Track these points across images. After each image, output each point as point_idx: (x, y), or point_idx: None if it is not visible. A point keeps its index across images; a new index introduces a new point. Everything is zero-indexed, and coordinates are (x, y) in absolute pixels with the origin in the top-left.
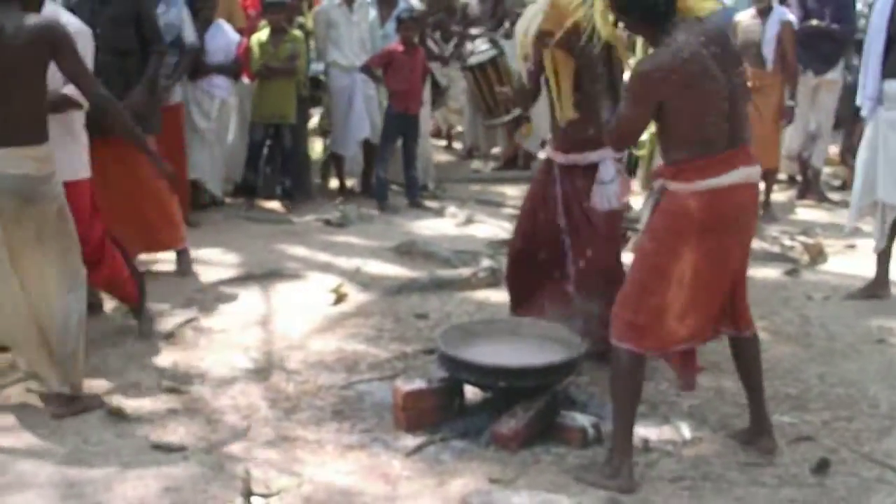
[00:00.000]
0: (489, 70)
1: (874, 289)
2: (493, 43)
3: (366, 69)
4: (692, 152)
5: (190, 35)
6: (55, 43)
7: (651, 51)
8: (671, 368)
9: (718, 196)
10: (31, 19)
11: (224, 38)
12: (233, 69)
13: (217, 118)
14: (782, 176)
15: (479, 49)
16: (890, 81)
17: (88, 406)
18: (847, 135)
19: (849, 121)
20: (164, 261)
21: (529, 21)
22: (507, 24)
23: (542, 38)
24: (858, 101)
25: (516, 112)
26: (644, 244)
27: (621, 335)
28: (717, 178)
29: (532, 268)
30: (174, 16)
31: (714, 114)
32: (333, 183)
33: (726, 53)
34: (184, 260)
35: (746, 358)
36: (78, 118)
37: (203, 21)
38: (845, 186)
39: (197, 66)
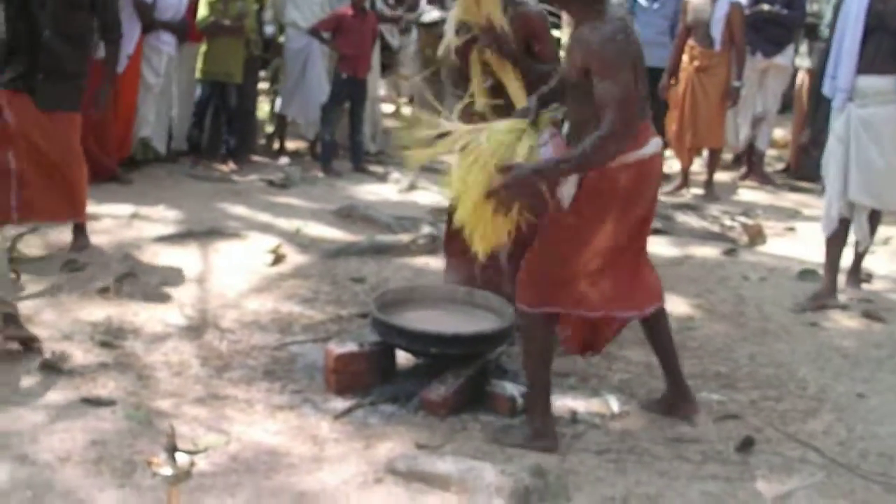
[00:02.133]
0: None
1: (824, 297)
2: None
3: (314, 32)
4: None
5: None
6: None
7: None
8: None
9: (644, 167)
10: None
11: None
12: (180, 27)
13: (165, 74)
14: (727, 156)
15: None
16: (864, 77)
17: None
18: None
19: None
20: (104, 215)
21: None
22: None
23: (462, 33)
24: (826, 91)
25: None
26: (564, 217)
27: (532, 300)
28: (642, 150)
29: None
30: None
31: (642, 85)
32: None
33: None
34: (80, 236)
35: (656, 328)
36: None
37: None
38: (789, 169)
39: (149, 21)
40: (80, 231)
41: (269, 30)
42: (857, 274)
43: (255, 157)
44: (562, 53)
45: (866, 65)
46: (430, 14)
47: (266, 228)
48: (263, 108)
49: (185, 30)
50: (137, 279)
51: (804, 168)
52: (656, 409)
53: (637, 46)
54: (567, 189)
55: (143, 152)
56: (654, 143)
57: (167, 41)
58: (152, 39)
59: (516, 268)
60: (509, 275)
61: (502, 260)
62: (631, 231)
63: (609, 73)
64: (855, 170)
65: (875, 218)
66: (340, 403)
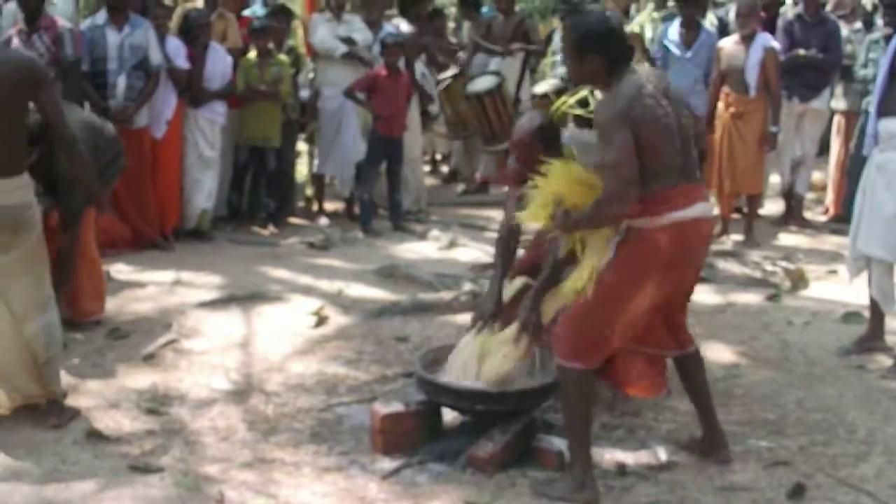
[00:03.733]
0: (487, 99)
1: (870, 342)
2: (496, 73)
3: (349, 93)
4: (657, 185)
5: (156, 56)
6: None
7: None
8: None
9: (685, 229)
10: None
11: (221, 61)
12: (228, 93)
13: (219, 145)
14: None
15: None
16: (885, 120)
17: (73, 414)
18: None
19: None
20: (147, 282)
21: None
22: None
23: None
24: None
25: None
26: (605, 276)
27: (568, 355)
28: (682, 212)
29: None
30: (140, 37)
31: (671, 148)
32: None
33: (669, 94)
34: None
35: (692, 374)
36: None
37: (200, 46)
38: (828, 212)
39: (198, 93)
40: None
41: (305, 93)
42: None
43: (295, 220)
44: None
45: (886, 107)
46: (480, 84)
47: (308, 291)
48: (302, 171)
49: (232, 94)
50: (181, 345)
51: (846, 210)
52: (693, 450)
53: (647, 109)
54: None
55: (209, 223)
56: (700, 208)
57: (220, 112)
58: (206, 112)
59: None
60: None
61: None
62: (672, 293)
63: (603, 137)
64: (866, 218)
65: None
66: (388, 464)
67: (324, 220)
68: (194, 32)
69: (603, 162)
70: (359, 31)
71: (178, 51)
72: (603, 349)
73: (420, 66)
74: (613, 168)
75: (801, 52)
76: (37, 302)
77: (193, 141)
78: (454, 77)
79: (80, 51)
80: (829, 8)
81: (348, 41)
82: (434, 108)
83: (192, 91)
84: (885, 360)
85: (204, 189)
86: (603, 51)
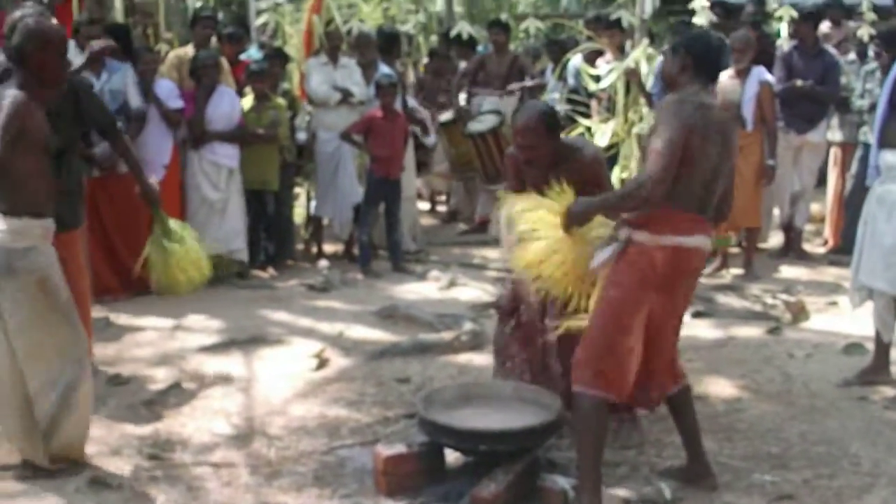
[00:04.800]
0: (490, 137)
1: (872, 374)
2: (496, 112)
3: (346, 136)
4: (668, 202)
5: (135, 100)
6: None
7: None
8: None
9: (681, 254)
10: None
11: (229, 102)
12: (236, 136)
13: (225, 188)
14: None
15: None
16: (885, 151)
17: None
18: None
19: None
20: (147, 327)
21: None
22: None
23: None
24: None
25: None
26: (608, 293)
27: (588, 382)
28: (683, 237)
29: (517, 330)
30: (118, 82)
31: (700, 176)
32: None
33: (725, 133)
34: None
35: (682, 405)
36: None
37: (204, 88)
38: (827, 244)
39: (199, 135)
40: None
41: (302, 136)
42: None
43: (294, 262)
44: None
45: (889, 139)
46: (480, 124)
47: (308, 333)
48: (300, 213)
49: (243, 136)
50: (183, 390)
51: (845, 241)
52: (676, 478)
53: (703, 128)
54: (603, 253)
55: (226, 267)
56: (700, 239)
57: (225, 154)
58: (208, 153)
59: (565, 367)
60: (559, 374)
61: (552, 362)
62: (666, 318)
63: (657, 128)
64: (867, 250)
65: None
66: None
67: (323, 262)
68: (198, 73)
69: (649, 149)
70: (356, 82)
71: (170, 92)
72: (624, 372)
73: (411, 101)
74: (661, 153)
75: (799, 82)
76: (43, 357)
77: (195, 184)
78: (455, 119)
79: None
80: None
81: (345, 93)
82: (430, 140)
83: (192, 133)
84: (887, 391)
85: (210, 234)
86: (694, 53)
